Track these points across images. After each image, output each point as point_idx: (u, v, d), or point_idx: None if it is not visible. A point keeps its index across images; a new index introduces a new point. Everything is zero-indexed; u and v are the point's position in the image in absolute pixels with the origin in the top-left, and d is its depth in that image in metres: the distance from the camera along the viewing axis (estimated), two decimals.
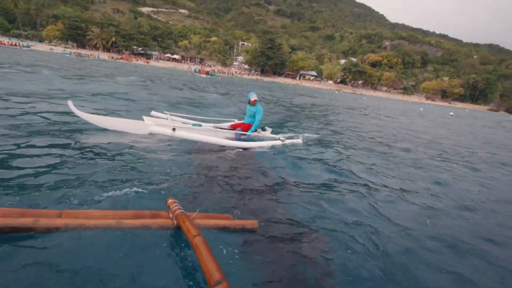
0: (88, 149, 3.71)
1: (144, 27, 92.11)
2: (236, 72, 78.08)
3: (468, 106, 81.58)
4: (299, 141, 5.62)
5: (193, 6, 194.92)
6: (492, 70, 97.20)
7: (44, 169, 2.90)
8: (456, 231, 3.11)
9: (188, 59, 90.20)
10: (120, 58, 64.64)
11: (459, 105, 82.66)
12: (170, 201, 2.14)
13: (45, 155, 3.31)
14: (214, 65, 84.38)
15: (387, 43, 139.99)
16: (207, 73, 47.10)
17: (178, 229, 1.96)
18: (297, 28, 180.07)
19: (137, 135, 4.78)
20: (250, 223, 2.27)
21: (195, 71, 47.70)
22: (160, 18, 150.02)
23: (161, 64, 70.15)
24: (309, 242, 2.38)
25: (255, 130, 5.85)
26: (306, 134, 7.16)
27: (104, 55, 63.07)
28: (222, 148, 4.91)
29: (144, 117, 5.66)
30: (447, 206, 3.80)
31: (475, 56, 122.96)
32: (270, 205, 2.98)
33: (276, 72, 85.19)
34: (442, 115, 28.31)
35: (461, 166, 6.32)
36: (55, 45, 70.17)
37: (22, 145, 3.53)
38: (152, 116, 5.97)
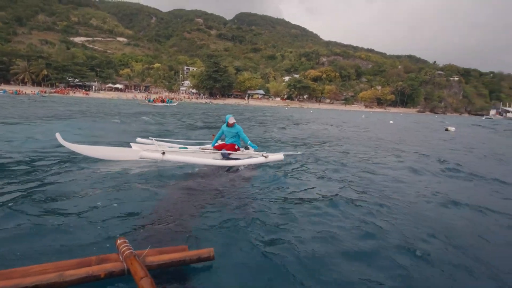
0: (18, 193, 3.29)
1: (79, 58, 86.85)
2: (185, 97, 77.27)
3: (400, 110, 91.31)
4: (280, 156, 5.78)
5: (131, 33, 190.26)
6: (415, 77, 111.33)
7: None
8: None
9: (133, 87, 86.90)
10: (54, 92, 60.03)
11: (393, 110, 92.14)
12: (119, 241, 2.02)
13: None
14: (160, 92, 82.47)
15: (324, 59, 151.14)
16: (163, 101, 42.97)
17: (129, 272, 1.86)
18: (239, 50, 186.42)
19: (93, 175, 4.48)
20: (206, 251, 2.22)
21: (149, 100, 42.58)
22: (96, 47, 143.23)
23: (102, 95, 66.55)
24: (268, 266, 2.33)
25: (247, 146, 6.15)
26: (287, 152, 7.21)
27: (35, 90, 57.88)
28: (190, 172, 4.90)
29: (131, 144, 5.90)
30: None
31: (399, 66, 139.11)
32: (230, 227, 2.91)
33: (225, 94, 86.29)
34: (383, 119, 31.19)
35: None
36: None
37: None
38: (138, 143, 6.19)
